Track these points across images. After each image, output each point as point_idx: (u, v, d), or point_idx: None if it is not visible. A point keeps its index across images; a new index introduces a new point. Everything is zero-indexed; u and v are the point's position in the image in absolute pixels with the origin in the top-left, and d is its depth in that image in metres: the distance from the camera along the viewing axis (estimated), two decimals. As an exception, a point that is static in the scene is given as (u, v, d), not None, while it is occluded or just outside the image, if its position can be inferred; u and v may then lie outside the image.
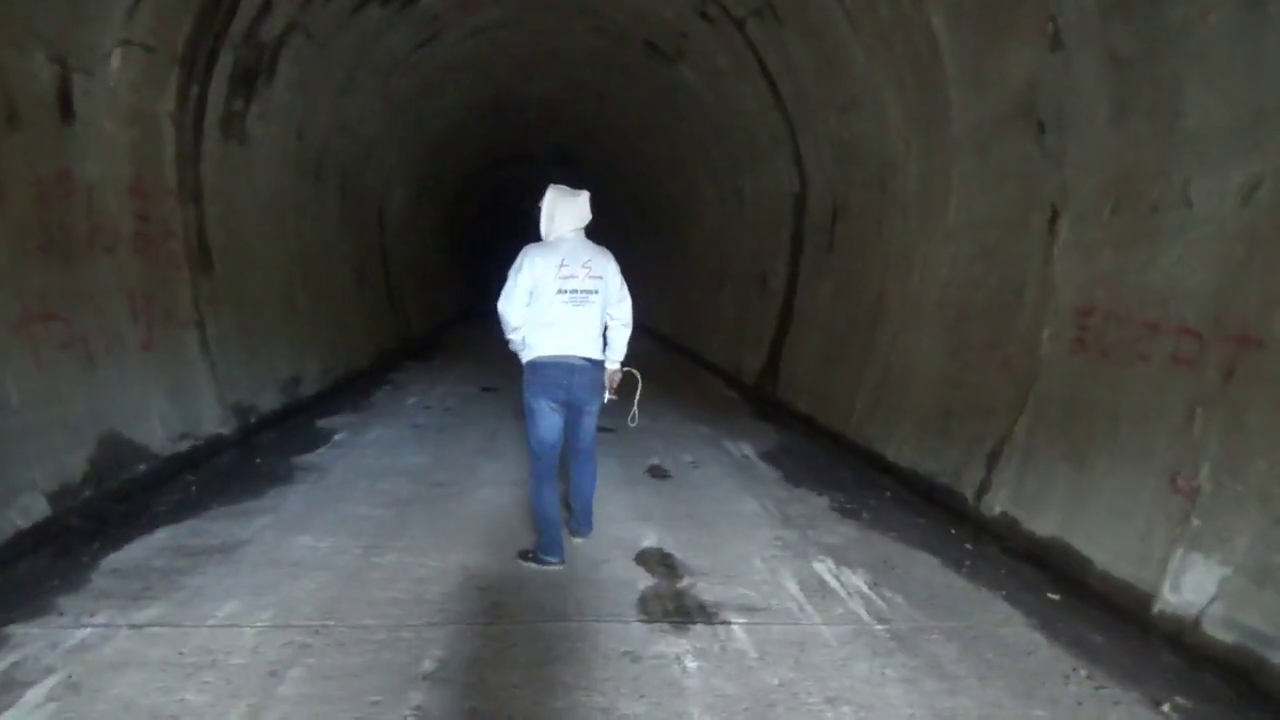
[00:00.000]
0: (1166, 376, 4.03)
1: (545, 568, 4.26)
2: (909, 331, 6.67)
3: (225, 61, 6.96)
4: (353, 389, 9.49)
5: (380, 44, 9.82)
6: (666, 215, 16.15)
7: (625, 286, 4.46)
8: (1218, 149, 3.86)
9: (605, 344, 4.45)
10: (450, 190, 18.19)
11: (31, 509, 4.46)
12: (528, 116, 15.84)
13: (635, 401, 4.79)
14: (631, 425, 4.91)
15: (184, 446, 6.02)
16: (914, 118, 6.69)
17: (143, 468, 5.50)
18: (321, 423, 7.67)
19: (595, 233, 4.45)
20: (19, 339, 4.68)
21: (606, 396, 4.50)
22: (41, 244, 4.95)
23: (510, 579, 4.11)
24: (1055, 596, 4.08)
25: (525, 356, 4.35)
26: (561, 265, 4.23)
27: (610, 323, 4.44)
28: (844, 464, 6.56)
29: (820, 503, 5.58)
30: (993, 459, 5.17)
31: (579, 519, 4.68)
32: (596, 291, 4.28)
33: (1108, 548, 4.10)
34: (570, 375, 4.25)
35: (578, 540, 4.64)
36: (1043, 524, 4.58)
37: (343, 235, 11.26)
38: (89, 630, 3.37)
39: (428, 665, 3.18)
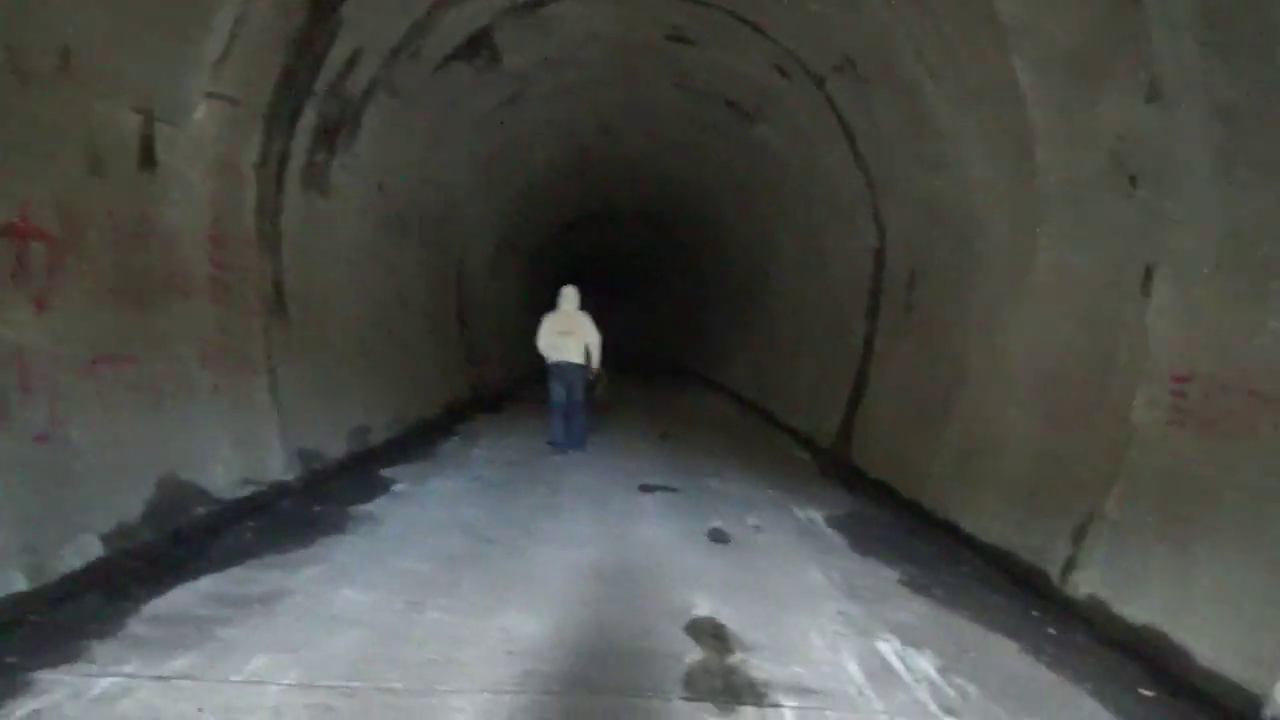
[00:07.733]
0: (1277, 453, 3.64)
1: (556, 454, 9.01)
2: (992, 396, 6.30)
3: (309, 115, 7.13)
4: (420, 438, 9.49)
5: (466, 101, 10.04)
6: (747, 274, 15.95)
7: (595, 329, 9.11)
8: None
9: (589, 356, 9.14)
10: (530, 247, 18.38)
11: (86, 550, 4.47)
12: (611, 174, 15.98)
13: (600, 386, 9.51)
14: (596, 396, 9.61)
15: (246, 491, 6.03)
16: (1000, 174, 6.39)
17: (202, 511, 5.51)
18: (384, 471, 7.64)
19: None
20: (85, 381, 4.74)
21: (587, 379, 9.12)
22: (115, 287, 5.07)
23: (549, 645, 3.90)
24: (1148, 693, 3.66)
25: (547, 361, 9.08)
26: (563, 320, 9.10)
27: (589, 347, 9.06)
28: (918, 534, 6.17)
29: (890, 575, 5.22)
30: (1080, 535, 4.76)
31: (573, 444, 9.19)
32: (574, 333, 9.00)
33: (1211, 641, 3.68)
34: (565, 370, 9.00)
35: (572, 453, 9.07)
36: (1136, 609, 4.16)
37: (421, 286, 11.41)
38: (113, 680, 3.29)
39: (449, 737, 2.99)
